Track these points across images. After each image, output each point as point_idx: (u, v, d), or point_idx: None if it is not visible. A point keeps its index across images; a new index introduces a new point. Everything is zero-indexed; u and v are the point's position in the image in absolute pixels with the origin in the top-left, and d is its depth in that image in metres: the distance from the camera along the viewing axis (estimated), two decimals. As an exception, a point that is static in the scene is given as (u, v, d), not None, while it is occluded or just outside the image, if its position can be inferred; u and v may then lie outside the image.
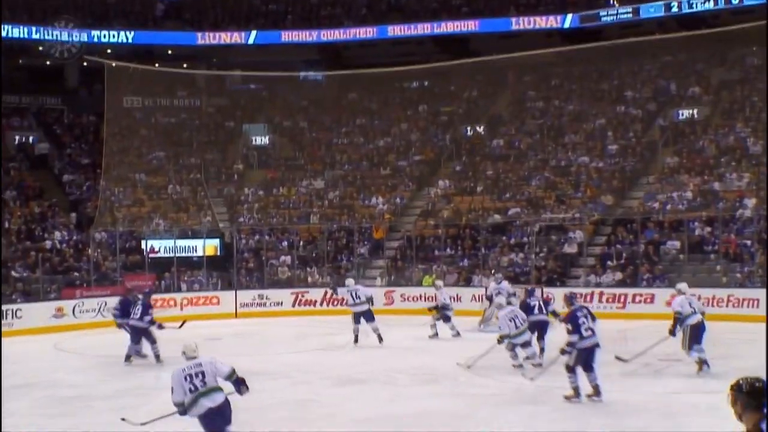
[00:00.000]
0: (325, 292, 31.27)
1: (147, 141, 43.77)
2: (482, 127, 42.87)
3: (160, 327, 20.90)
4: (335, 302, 29.43)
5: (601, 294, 28.81)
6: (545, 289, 27.63)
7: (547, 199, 36.03)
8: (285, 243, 36.76)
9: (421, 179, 40.83)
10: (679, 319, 17.65)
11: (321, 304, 31.48)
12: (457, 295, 30.25)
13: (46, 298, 30.01)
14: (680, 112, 38.77)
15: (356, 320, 23.28)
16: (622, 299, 28.48)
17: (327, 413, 14.36)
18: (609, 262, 30.77)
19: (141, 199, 39.47)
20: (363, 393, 16.16)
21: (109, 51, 42.65)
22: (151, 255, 34.33)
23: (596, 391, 14.84)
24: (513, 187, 37.75)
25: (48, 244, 33.96)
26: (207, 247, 35.19)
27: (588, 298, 28.62)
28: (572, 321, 15.04)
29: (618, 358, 17.85)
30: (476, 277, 32.11)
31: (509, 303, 19.82)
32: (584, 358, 14.83)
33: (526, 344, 18.68)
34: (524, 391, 16.09)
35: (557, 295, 28.38)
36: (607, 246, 32.06)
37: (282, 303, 32.29)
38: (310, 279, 34.53)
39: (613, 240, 32.00)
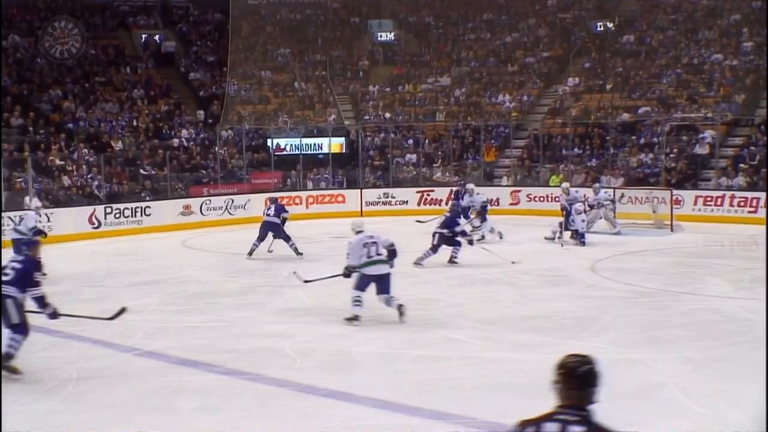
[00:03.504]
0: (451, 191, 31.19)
1: (272, 38, 43.96)
2: (613, 23, 42.06)
3: None
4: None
5: (732, 197, 28.31)
6: (674, 192, 27.32)
7: (679, 97, 35.33)
8: (410, 141, 36.89)
9: (549, 76, 40.35)
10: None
11: (447, 203, 31.51)
12: (584, 196, 30.13)
13: (174, 196, 30.67)
14: (821, 6, 37.43)
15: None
16: (754, 203, 27.91)
17: (452, 313, 14.52)
18: (741, 165, 30.11)
19: (266, 97, 39.84)
20: (488, 294, 16.30)
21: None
22: (276, 153, 34.84)
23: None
24: (643, 85, 37.08)
25: (175, 141, 34.57)
26: (332, 144, 35.55)
27: (719, 201, 28.28)
28: None
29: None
30: (604, 177, 31.81)
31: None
32: None
33: None
34: (651, 294, 16.09)
35: (687, 197, 28.18)
36: (741, 147, 31.40)
37: (407, 202, 32.59)
38: (435, 177, 34.65)
39: (747, 141, 31.33)
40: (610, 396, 9.69)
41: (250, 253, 21.66)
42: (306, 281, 15.66)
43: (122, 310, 12.07)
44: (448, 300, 15.73)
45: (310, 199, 32.00)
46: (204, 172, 33.00)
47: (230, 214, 30.22)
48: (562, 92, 38.67)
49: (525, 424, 4.87)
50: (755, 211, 27.71)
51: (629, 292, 16.39)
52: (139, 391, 10.45)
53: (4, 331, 10.96)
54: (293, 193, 32.05)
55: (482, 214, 24.59)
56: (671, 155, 32.02)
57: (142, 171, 31.77)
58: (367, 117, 39.23)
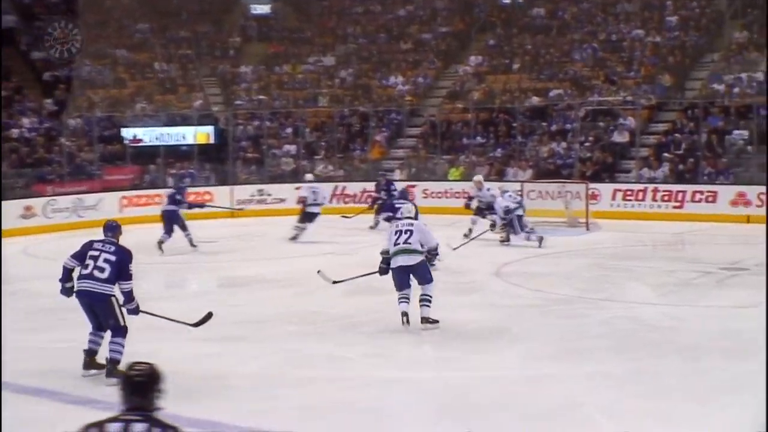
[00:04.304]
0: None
1: (129, 11, 43.53)
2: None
3: None
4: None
5: (655, 191, 28.89)
6: (590, 185, 27.66)
7: (595, 78, 35.82)
8: (289, 129, 36.81)
9: (449, 55, 40.61)
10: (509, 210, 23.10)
11: (331, 201, 31.44)
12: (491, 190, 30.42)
13: (13, 196, 29.65)
14: (752, -23, 38.26)
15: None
16: (679, 197, 28.50)
17: (339, 327, 14.46)
18: (665, 154, 30.63)
19: (122, 79, 39.43)
20: (380, 304, 16.14)
21: None
22: (133, 144, 34.43)
23: None
24: (555, 65, 37.53)
25: (15, 132, 33.82)
26: (198, 134, 35.24)
27: (640, 195, 28.75)
28: None
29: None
30: (510, 169, 32.10)
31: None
32: None
33: None
34: (565, 301, 16.29)
35: (604, 191, 28.58)
36: (664, 135, 31.93)
37: (285, 200, 32.44)
38: (318, 171, 34.59)
39: (672, 127, 31.87)
40: (521, 417, 9.87)
41: (160, 245, 23.15)
42: (335, 282, 15.72)
43: (208, 316, 12.61)
44: (333, 312, 15.67)
45: (173, 198, 31.70)
46: (48, 167, 32.39)
47: (79, 216, 29.62)
48: (463, 73, 38.94)
49: (90, 426, 5.59)
50: (681, 206, 28.23)
51: (540, 299, 16.57)
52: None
53: (93, 333, 11.86)
54: (152, 191, 31.60)
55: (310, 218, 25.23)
56: (586, 144, 32.44)
57: (-26, 166, 31.12)
58: (238, 102, 39.05)
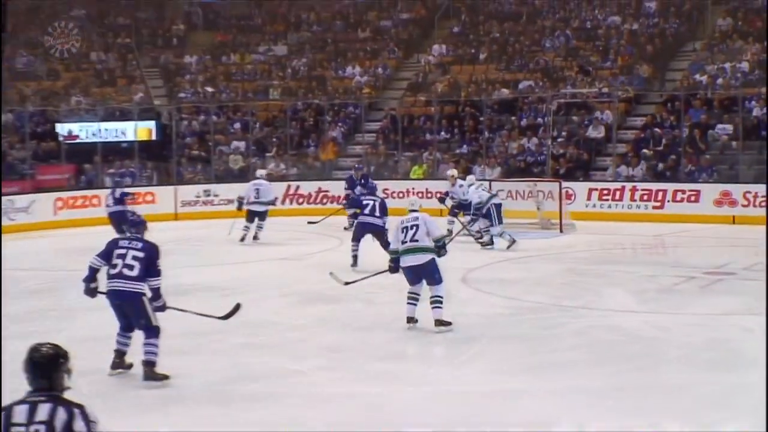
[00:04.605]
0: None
1: (63, -4, 43.35)
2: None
3: None
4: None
5: (633, 190, 28.88)
6: (564, 184, 27.61)
7: (568, 69, 35.87)
8: (237, 125, 36.62)
9: (410, 44, 40.57)
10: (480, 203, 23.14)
11: (284, 202, 31.31)
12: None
13: (-64, 198, 29.61)
14: (736, -39, 38.40)
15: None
16: (659, 197, 28.50)
17: (293, 338, 14.35)
18: (644, 150, 30.66)
19: (56, 71, 39.15)
20: (336, 313, 16.11)
21: None
22: (68, 141, 34.15)
23: None
24: (525, 54, 37.54)
25: (-61, 129, 33.65)
26: (139, 130, 34.98)
27: (617, 194, 28.72)
28: None
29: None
30: (478, 167, 32.03)
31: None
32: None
33: None
34: (537, 309, 16.18)
35: (578, 190, 28.55)
36: (643, 130, 31.96)
37: (233, 201, 32.24)
38: (269, 170, 34.43)
39: (651, 121, 31.91)
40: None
41: None
42: (347, 282, 16.31)
43: (237, 308, 13.30)
44: (285, 322, 15.53)
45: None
46: (-24, 166, 32.17)
47: (10, 219, 29.28)
48: (426, 63, 38.90)
49: None
50: (661, 207, 28.24)
51: (511, 307, 16.48)
52: None
53: (121, 334, 12.26)
54: (89, 192, 31.34)
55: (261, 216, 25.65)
56: (559, 139, 32.44)
57: None
58: (182, 95, 38.90)
